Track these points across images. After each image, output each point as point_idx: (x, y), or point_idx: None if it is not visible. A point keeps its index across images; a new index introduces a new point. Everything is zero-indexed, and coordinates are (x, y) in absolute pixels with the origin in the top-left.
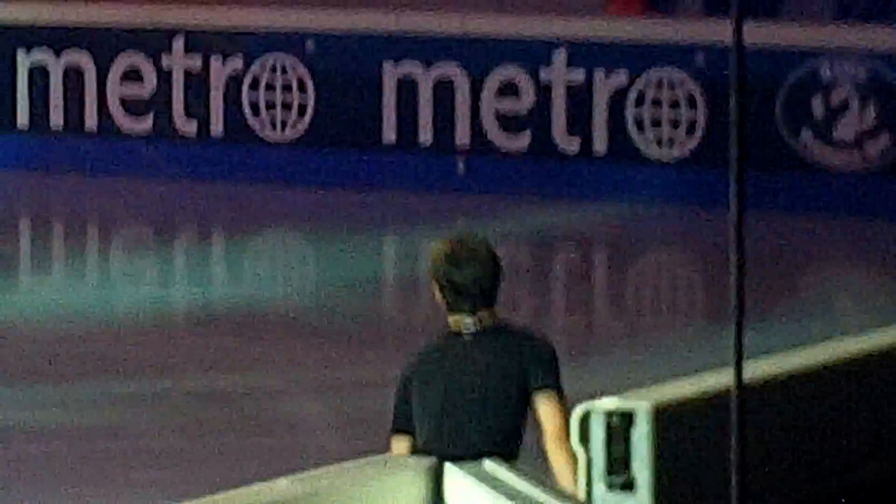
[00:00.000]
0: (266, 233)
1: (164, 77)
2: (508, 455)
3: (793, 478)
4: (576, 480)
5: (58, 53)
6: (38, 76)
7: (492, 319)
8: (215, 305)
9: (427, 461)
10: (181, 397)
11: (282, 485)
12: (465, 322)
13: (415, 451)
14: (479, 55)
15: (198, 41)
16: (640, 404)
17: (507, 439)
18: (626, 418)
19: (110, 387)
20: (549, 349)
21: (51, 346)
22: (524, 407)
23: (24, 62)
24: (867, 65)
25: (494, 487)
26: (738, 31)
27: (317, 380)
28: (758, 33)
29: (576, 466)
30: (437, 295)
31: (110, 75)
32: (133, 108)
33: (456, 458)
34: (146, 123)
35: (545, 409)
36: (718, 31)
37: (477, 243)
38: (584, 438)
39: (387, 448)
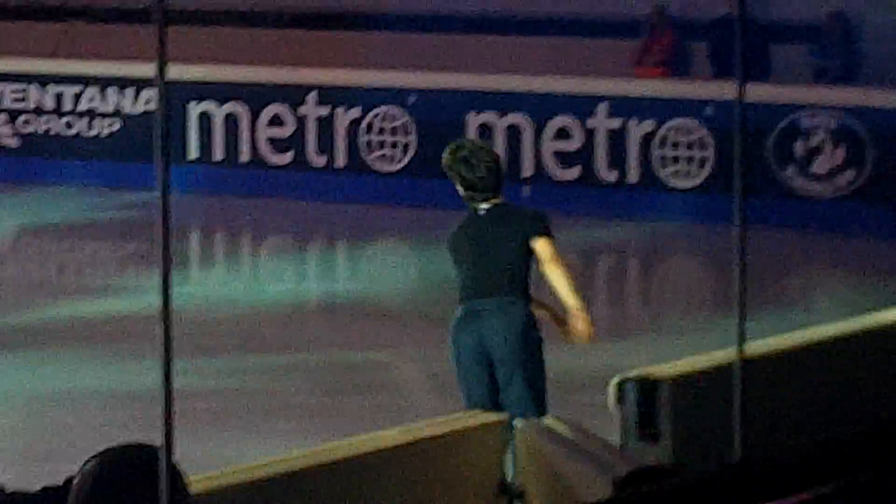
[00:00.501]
0: (378, 242)
1: (301, 122)
2: (520, 289)
3: (785, 430)
4: (571, 288)
5: (220, 103)
6: (205, 121)
7: (497, 200)
8: (339, 297)
9: (499, 416)
10: (313, 367)
11: (392, 434)
12: (480, 206)
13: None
14: (540, 107)
15: (327, 95)
16: (664, 374)
17: (517, 278)
18: (653, 384)
19: (260, 358)
20: (540, 213)
21: (214, 326)
22: (528, 253)
23: (193, 110)
24: (837, 116)
25: (555, 440)
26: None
27: (417, 354)
28: (754, 91)
29: (569, 277)
30: (458, 187)
31: (259, 120)
32: (277, 145)
33: (485, 295)
34: (287, 157)
35: (540, 244)
36: (723, 90)
37: (484, 150)
38: (620, 400)
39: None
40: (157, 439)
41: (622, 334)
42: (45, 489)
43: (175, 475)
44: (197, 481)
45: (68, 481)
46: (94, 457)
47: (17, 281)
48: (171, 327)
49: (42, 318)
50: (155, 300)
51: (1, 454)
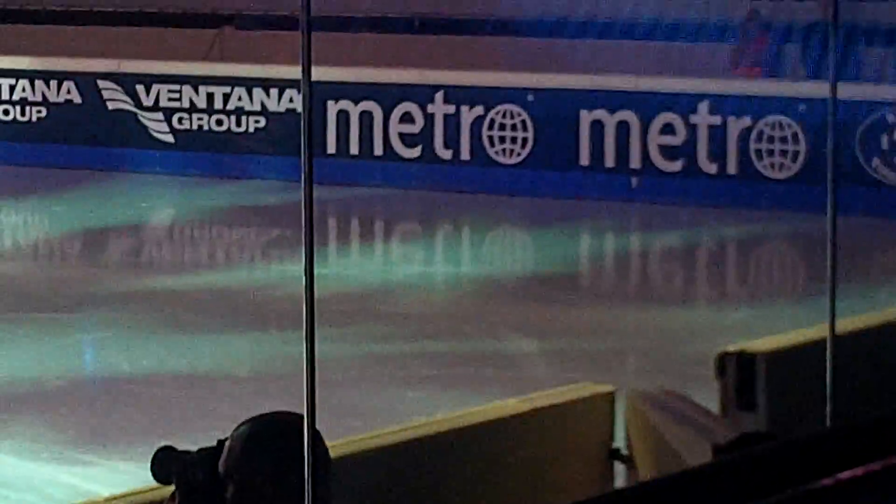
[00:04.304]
0: (498, 228)
1: (429, 119)
2: None
3: (874, 401)
4: None
5: (356, 102)
6: (342, 118)
7: None
8: (464, 278)
9: (607, 387)
10: (440, 341)
11: (510, 403)
12: None
13: None
14: (647, 105)
15: (452, 94)
16: (761, 348)
17: None
18: (751, 358)
19: (390, 332)
20: None
21: (348, 303)
22: None
23: (332, 109)
24: None
25: (660, 408)
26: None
27: (533, 330)
28: (843, 90)
29: None
30: None
31: (391, 118)
32: (407, 140)
33: None
34: (416, 151)
35: None
36: (815, 89)
37: None
38: (721, 373)
39: (588, 377)
40: (300, 408)
41: (723, 313)
42: (200, 450)
43: (316, 440)
44: (334, 447)
45: (221, 443)
46: (244, 422)
47: (170, 261)
48: (314, 303)
49: (196, 296)
50: (299, 279)
51: (161, 422)
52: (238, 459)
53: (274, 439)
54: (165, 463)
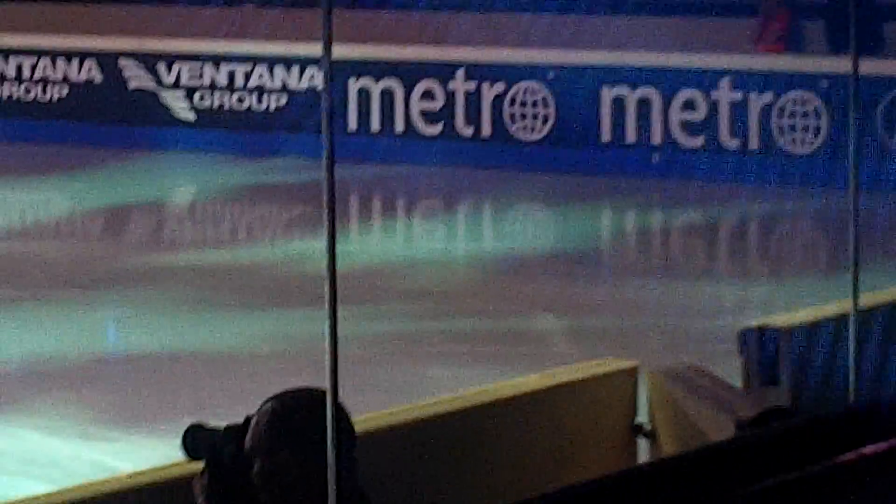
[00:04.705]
0: (519, 204)
1: (451, 96)
2: None
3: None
4: None
5: (377, 80)
6: (363, 96)
7: None
8: (485, 254)
9: (630, 363)
10: (462, 317)
11: (534, 379)
12: None
13: None
14: (668, 81)
15: (473, 71)
16: (783, 323)
17: None
18: (773, 333)
19: (412, 307)
20: None
21: (370, 279)
22: None
23: (353, 86)
24: None
25: (683, 384)
26: (855, 64)
27: (555, 306)
28: (864, 65)
29: None
30: None
31: (413, 95)
32: (428, 116)
33: None
34: (437, 128)
35: None
36: (837, 64)
37: None
38: (743, 348)
39: (611, 353)
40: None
41: (745, 287)
42: (227, 427)
43: (341, 416)
44: (358, 422)
45: (247, 420)
46: (270, 398)
47: (192, 239)
48: (335, 279)
49: (219, 274)
50: (321, 256)
51: (186, 399)
52: (263, 435)
53: (299, 415)
54: (195, 439)
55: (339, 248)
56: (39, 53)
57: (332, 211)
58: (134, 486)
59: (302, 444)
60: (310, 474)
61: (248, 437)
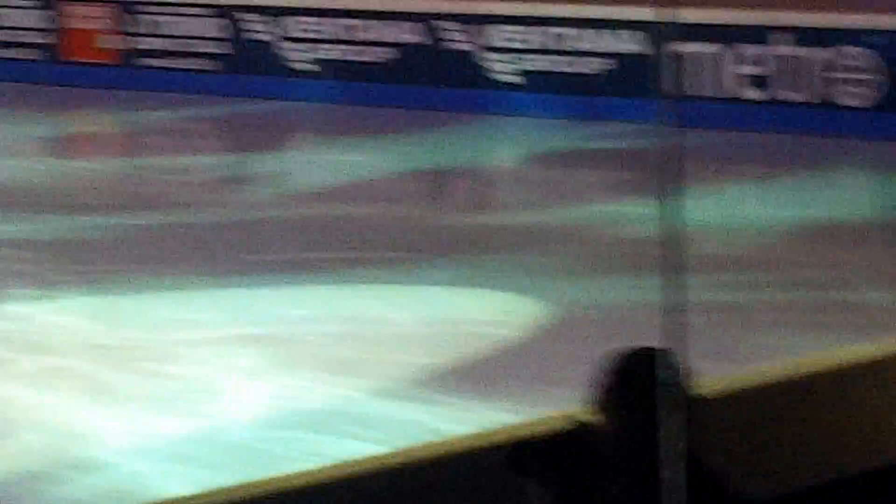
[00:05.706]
0: (843, 171)
1: (776, 61)
2: None
3: None
4: None
5: (705, 44)
6: (691, 60)
7: None
8: (809, 222)
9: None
10: (785, 284)
11: (868, 348)
12: None
13: None
14: None
15: (799, 36)
16: None
17: None
18: None
19: (734, 276)
20: None
21: (690, 247)
22: None
23: (680, 50)
24: None
25: None
26: None
27: (879, 275)
28: None
29: None
30: None
31: (737, 59)
32: (752, 81)
33: None
34: (761, 94)
35: None
36: (893, 20)
37: None
38: None
39: None
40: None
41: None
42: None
43: (682, 378)
44: (703, 386)
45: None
46: (614, 357)
47: (515, 202)
48: (679, 245)
49: (545, 237)
50: (644, 221)
51: (513, 365)
52: (607, 391)
53: (640, 372)
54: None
55: (660, 213)
56: (364, 16)
57: (662, 177)
58: (457, 450)
59: (645, 401)
60: (644, 435)
61: (595, 392)
